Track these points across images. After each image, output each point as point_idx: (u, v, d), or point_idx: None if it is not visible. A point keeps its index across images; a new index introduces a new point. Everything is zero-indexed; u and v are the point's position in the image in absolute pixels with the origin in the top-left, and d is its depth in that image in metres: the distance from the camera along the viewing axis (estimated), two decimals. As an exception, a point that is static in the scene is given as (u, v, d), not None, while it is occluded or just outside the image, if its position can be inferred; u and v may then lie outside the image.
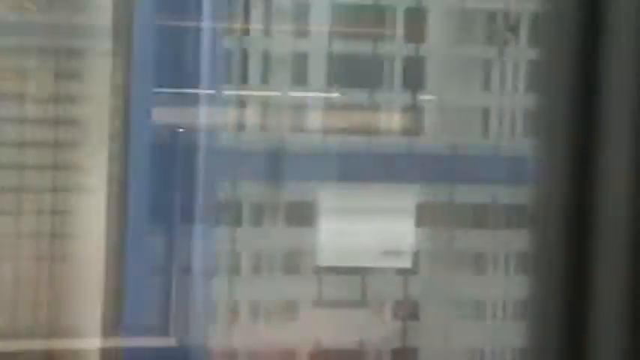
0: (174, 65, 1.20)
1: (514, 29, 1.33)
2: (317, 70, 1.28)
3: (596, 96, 0.67)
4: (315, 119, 1.29)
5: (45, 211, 1.15)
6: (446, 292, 1.26)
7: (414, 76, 1.28)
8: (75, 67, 1.17)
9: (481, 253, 1.29)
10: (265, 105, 1.24)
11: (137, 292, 1.13)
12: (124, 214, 1.17)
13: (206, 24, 1.20)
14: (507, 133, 1.30)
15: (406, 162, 1.25)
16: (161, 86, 1.19)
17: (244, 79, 1.23)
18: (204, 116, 1.22)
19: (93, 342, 1.16)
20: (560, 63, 0.68)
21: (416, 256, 1.24)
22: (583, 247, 0.72)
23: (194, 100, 1.20)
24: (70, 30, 1.15)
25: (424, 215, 1.24)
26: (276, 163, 1.23)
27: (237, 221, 1.24)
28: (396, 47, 1.29)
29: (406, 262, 1.23)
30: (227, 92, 1.23)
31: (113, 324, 1.16)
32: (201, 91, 1.20)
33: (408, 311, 1.28)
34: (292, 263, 1.26)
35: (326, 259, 1.24)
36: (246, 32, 1.25)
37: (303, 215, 1.25)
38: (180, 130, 1.22)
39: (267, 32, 1.24)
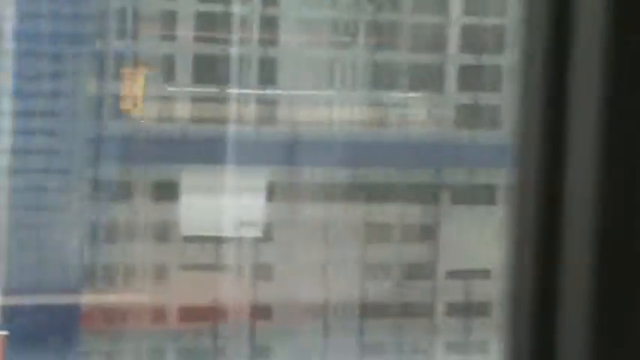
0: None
1: (354, 35, 1.56)
2: (184, 69, 1.49)
3: (565, 98, 0.63)
4: (182, 110, 1.49)
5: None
6: (296, 255, 1.47)
7: (266, 74, 1.50)
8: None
9: (325, 223, 1.51)
10: (158, 99, 1.44)
11: (17, 254, 1.31)
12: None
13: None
14: (346, 122, 1.52)
15: (258, 148, 1.46)
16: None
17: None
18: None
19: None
20: (531, 64, 0.65)
21: (268, 226, 1.46)
22: (553, 233, 0.65)
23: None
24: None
25: (273, 192, 1.45)
26: (147, 149, 1.43)
27: (116, 197, 1.44)
28: (252, 49, 1.50)
29: (258, 232, 1.44)
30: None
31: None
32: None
33: (263, 273, 1.49)
34: (162, 233, 1.47)
35: (190, 229, 1.44)
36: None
37: (170, 193, 1.45)
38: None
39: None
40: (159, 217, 1.36)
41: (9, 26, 1.75)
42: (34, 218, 1.39)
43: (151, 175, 1.36)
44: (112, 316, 1.43)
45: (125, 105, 1.63)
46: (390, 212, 1.52)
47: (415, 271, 1.55)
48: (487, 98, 1.47)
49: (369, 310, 1.52)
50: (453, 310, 1.56)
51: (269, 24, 1.45)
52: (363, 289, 1.56)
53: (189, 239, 1.43)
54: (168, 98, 1.44)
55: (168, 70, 1.39)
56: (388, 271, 1.57)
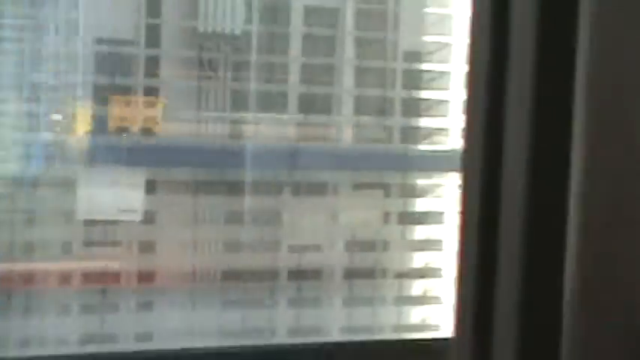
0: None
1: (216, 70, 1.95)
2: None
3: (504, 96, 0.73)
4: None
5: None
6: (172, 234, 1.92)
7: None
8: None
9: (195, 210, 1.95)
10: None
11: None
12: None
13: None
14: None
15: (140, 151, 1.88)
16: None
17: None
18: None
19: None
20: (477, 60, 0.75)
21: (150, 212, 1.89)
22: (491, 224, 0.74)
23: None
24: None
25: (150, 187, 1.88)
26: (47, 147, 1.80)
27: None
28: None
29: (138, 217, 1.86)
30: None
31: None
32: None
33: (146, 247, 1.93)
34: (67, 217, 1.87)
35: (86, 214, 1.85)
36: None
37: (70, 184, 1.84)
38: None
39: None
40: (64, 205, 1.72)
41: None
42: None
43: (57, 172, 1.71)
44: (26, 279, 1.77)
45: None
46: (245, 202, 1.95)
47: (264, 245, 1.99)
48: (318, 119, 1.91)
49: (229, 275, 1.96)
50: (292, 275, 2.01)
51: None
52: (224, 260, 2.01)
53: (87, 222, 1.80)
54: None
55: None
56: (244, 245, 2.01)
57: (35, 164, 1.80)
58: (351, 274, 2.09)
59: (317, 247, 2.08)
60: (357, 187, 2.08)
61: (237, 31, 1.88)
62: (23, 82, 1.77)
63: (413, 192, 2.09)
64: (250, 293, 2.02)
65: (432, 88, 2.06)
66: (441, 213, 2.12)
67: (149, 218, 1.93)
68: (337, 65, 1.98)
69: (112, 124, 1.88)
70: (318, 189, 2.06)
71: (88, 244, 1.91)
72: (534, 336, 0.69)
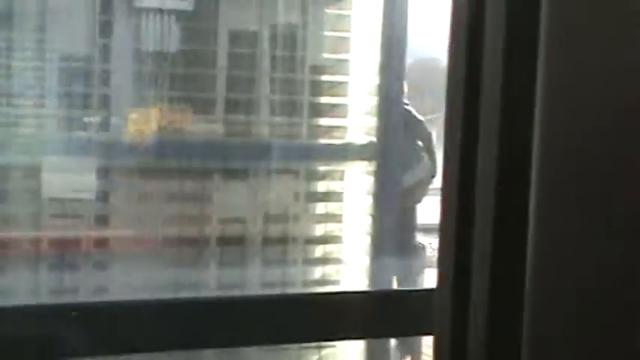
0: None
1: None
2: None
3: (479, 95, 0.75)
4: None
5: None
6: (122, 209, 2.38)
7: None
8: None
9: (140, 192, 2.42)
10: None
11: None
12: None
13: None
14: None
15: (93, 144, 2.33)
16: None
17: None
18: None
19: None
20: (456, 57, 0.77)
21: (103, 193, 2.35)
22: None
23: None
24: None
25: (101, 173, 2.33)
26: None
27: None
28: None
29: (92, 195, 2.32)
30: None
31: None
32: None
33: (101, 220, 2.39)
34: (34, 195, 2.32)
35: (53, 192, 2.30)
36: None
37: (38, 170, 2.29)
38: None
39: None
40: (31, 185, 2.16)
41: None
42: None
43: (24, 160, 2.15)
44: (4, 244, 2.22)
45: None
46: (182, 185, 2.41)
47: (198, 219, 2.46)
48: (241, 118, 2.38)
49: (168, 242, 2.44)
50: (220, 241, 2.47)
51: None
52: (165, 230, 2.48)
53: (52, 199, 2.24)
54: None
55: None
56: (181, 218, 2.48)
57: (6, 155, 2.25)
58: (267, 241, 2.57)
59: (241, 220, 2.56)
60: (273, 172, 2.56)
61: (174, 49, 2.33)
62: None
63: (317, 176, 2.58)
64: (186, 256, 2.50)
65: (333, 95, 2.54)
66: (340, 192, 2.62)
67: (102, 197, 2.39)
68: (257, 77, 2.44)
69: (73, 124, 2.33)
70: (242, 174, 2.53)
71: (53, 215, 2.38)
72: (503, 285, 0.70)
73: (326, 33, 2.49)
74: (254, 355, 2.51)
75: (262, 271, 2.57)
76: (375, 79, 2.49)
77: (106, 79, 2.29)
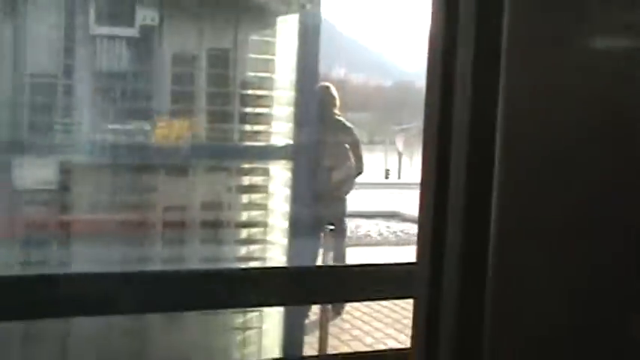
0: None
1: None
2: None
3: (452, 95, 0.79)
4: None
5: None
6: (84, 199, 2.88)
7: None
8: None
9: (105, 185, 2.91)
10: None
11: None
12: None
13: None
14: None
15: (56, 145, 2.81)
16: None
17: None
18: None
19: None
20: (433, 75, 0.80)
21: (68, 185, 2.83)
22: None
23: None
24: None
25: (64, 168, 2.81)
26: None
27: None
28: None
29: (55, 186, 2.80)
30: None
31: None
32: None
33: (66, 206, 2.88)
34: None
35: (27, 184, 2.78)
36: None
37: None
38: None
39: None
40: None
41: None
42: None
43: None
44: None
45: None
46: (133, 178, 2.92)
47: (147, 207, 2.95)
48: (182, 124, 2.91)
49: (121, 225, 2.94)
50: (165, 225, 2.97)
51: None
52: (118, 215, 2.98)
53: (25, 190, 2.71)
54: None
55: None
56: (132, 206, 2.98)
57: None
58: (204, 224, 3.08)
59: (182, 207, 3.06)
60: (209, 169, 3.06)
61: (124, 69, 2.81)
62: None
63: (246, 172, 3.09)
64: (136, 236, 3.00)
65: (259, 106, 3.04)
66: (265, 185, 3.13)
67: (65, 188, 2.87)
68: (195, 91, 2.93)
69: (42, 128, 2.81)
70: (183, 170, 3.03)
71: (25, 203, 2.86)
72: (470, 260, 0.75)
73: (254, 55, 2.98)
74: (194, 318, 3.03)
75: (200, 250, 3.07)
76: (292, 94, 3.00)
77: (67, 92, 2.77)
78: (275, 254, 3.15)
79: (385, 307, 5.20)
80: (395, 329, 4.81)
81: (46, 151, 2.81)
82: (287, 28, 2.99)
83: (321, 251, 4.23)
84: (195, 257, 3.10)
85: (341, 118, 4.96)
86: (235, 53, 2.93)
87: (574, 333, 0.73)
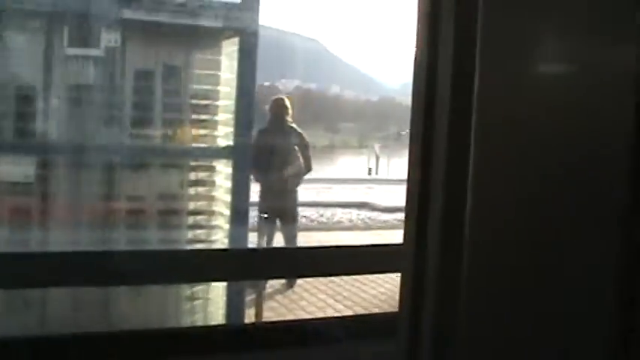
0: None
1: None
2: None
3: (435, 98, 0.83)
4: None
5: None
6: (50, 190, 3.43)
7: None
8: None
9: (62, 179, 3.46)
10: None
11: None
12: None
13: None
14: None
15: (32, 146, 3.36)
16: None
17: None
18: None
19: None
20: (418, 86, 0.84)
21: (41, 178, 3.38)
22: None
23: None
24: None
25: (39, 165, 3.36)
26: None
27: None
28: None
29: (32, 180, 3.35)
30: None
31: None
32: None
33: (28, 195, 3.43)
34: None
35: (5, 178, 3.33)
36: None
37: None
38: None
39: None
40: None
41: None
42: None
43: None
44: None
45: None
46: (101, 175, 3.48)
47: (114, 197, 3.52)
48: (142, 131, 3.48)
49: (89, 211, 3.50)
50: (128, 213, 3.55)
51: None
52: (87, 203, 3.54)
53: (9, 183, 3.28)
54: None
55: None
56: (99, 196, 3.54)
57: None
58: (161, 212, 3.65)
59: (142, 198, 3.62)
60: (165, 166, 3.63)
61: (92, 83, 3.36)
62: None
63: (195, 169, 3.66)
64: (102, 222, 3.56)
65: (207, 114, 3.61)
66: (213, 181, 3.71)
67: (42, 181, 3.42)
68: (153, 101, 3.49)
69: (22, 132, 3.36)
70: (144, 167, 3.59)
71: (11, 193, 3.40)
72: (449, 242, 0.78)
73: (202, 71, 3.56)
74: (151, 289, 3.59)
75: (157, 233, 3.64)
76: (233, 103, 3.59)
77: (46, 101, 3.32)
78: (219, 237, 3.73)
79: (334, 281, 5.90)
80: (335, 300, 5.52)
81: (22, 151, 3.36)
82: (229, 48, 3.56)
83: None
84: (153, 239, 3.66)
85: (293, 125, 5.78)
86: (187, 70, 3.50)
87: (545, 304, 0.76)
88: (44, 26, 3.23)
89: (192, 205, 3.69)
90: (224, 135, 3.65)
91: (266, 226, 5.66)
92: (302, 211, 9.76)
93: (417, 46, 0.86)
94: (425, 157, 0.84)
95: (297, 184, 5.85)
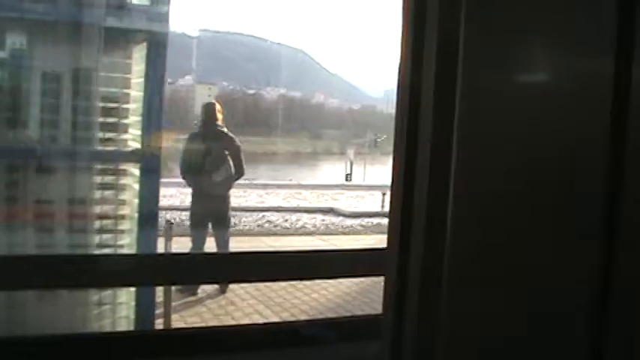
0: None
1: None
2: None
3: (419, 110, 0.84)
4: None
5: None
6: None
7: None
8: None
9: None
10: None
11: None
12: None
13: None
14: None
15: None
16: None
17: None
18: None
19: None
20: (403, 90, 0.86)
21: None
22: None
23: None
24: None
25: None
26: None
27: None
28: None
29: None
30: None
31: None
32: None
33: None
34: None
35: None
36: None
37: None
38: None
39: None
40: None
41: None
42: None
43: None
44: None
45: None
46: (10, 177, 3.48)
47: (20, 200, 3.50)
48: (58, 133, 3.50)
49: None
50: (36, 216, 3.52)
51: None
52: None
53: None
54: None
55: None
56: (11, 198, 3.52)
57: None
58: (71, 216, 3.61)
59: (51, 201, 3.58)
60: (75, 169, 3.60)
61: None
62: None
63: (107, 172, 3.64)
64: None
65: (117, 117, 3.60)
66: (124, 184, 3.68)
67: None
68: (61, 104, 3.48)
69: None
70: (52, 170, 3.56)
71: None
72: (431, 245, 0.80)
73: (113, 74, 3.56)
74: (60, 293, 3.53)
75: (67, 237, 3.59)
76: (141, 107, 3.58)
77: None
78: (127, 241, 3.69)
79: (267, 287, 5.84)
80: (265, 306, 5.46)
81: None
82: (139, 52, 3.57)
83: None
84: (62, 243, 3.61)
85: (223, 129, 5.76)
86: (97, 72, 3.50)
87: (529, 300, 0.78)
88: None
89: (102, 209, 3.66)
90: (133, 138, 3.63)
91: (197, 231, 5.64)
92: (269, 216, 9.94)
93: (401, 55, 0.89)
94: (408, 161, 0.86)
95: (229, 189, 5.83)
